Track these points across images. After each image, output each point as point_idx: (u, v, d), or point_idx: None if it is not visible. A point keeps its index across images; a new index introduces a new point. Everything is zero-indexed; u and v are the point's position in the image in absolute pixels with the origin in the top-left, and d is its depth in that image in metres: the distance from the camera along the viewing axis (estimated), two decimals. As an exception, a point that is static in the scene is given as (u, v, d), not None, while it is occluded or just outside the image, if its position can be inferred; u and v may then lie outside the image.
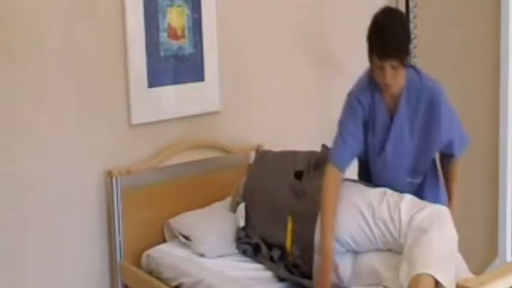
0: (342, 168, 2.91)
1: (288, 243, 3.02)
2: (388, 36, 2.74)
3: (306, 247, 2.92)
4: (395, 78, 2.79)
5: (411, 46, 2.84)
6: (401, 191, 2.89)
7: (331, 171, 2.90)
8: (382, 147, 2.93)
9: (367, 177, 3.08)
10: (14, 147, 3.12)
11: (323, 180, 2.89)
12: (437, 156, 3.09)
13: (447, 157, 3.06)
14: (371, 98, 2.91)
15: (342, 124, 2.96)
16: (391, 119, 2.91)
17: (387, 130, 2.92)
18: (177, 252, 3.29)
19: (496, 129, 4.05)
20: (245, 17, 3.80)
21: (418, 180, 3.00)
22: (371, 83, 2.90)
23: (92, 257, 3.39)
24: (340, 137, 2.94)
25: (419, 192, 2.97)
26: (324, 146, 3.30)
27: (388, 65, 2.74)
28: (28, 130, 3.15)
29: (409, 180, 2.98)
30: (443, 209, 2.78)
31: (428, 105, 2.87)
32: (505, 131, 4.01)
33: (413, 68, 2.94)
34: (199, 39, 3.59)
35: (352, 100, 2.94)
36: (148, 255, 3.35)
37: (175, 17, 3.50)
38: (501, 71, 3.98)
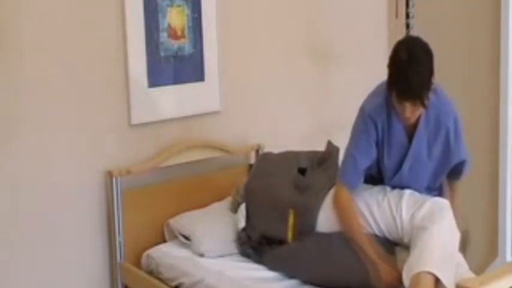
0: (353, 188, 2.86)
1: (290, 237, 3.01)
2: (410, 78, 2.63)
3: (306, 239, 2.92)
4: (414, 112, 2.74)
5: (432, 80, 2.70)
6: None
7: (342, 191, 2.86)
8: (399, 167, 2.89)
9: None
10: (13, 147, 3.11)
11: (334, 202, 2.86)
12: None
13: (453, 176, 3.05)
14: (386, 116, 2.83)
15: (354, 142, 2.89)
16: (409, 139, 2.86)
17: (404, 150, 2.87)
18: (177, 253, 3.29)
19: (496, 129, 4.05)
20: (245, 17, 3.80)
21: (433, 194, 2.98)
22: (387, 102, 2.82)
23: (92, 257, 3.39)
24: (351, 156, 2.87)
25: None
26: (329, 142, 3.30)
27: (408, 103, 2.69)
28: (28, 130, 3.14)
29: (424, 194, 2.95)
30: (443, 202, 2.79)
31: (448, 131, 2.84)
32: (505, 132, 4.01)
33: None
34: (199, 39, 3.58)
35: (365, 118, 2.86)
36: (148, 255, 3.35)
37: (175, 17, 3.50)
38: (501, 71, 3.98)
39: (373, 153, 2.87)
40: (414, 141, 2.86)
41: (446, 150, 2.88)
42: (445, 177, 3.04)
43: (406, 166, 2.88)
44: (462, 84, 4.07)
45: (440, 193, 3.02)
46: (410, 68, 2.64)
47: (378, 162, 2.92)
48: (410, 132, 2.86)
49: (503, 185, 4.04)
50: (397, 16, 4.22)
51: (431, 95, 2.75)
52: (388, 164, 2.90)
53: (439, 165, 2.92)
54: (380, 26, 4.01)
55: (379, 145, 2.88)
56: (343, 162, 2.91)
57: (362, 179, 2.93)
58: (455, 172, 3.03)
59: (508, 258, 4.03)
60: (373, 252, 2.75)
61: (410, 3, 4.19)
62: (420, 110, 2.75)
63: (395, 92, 2.69)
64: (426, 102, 2.69)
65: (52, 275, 3.27)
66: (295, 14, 4.01)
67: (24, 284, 3.20)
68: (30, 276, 3.21)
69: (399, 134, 2.86)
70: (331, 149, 3.29)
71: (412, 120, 2.79)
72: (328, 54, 4.17)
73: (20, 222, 3.16)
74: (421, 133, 2.85)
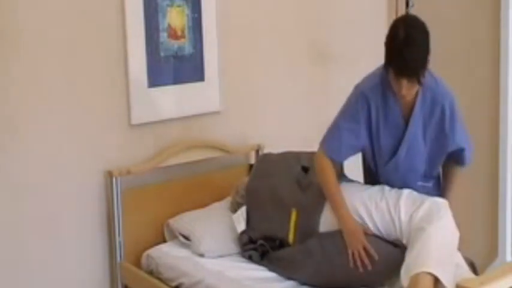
0: (334, 159, 2.90)
1: (291, 236, 3.01)
2: (407, 57, 2.67)
3: (308, 239, 2.92)
4: (411, 90, 2.76)
5: (428, 58, 2.72)
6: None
7: (320, 156, 2.92)
8: (395, 150, 2.91)
9: (372, 174, 3.07)
10: (13, 147, 3.11)
11: (315, 164, 2.91)
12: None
13: (453, 164, 3.05)
14: (381, 98, 2.86)
15: (342, 115, 2.92)
16: (405, 122, 2.88)
17: (401, 133, 2.89)
18: (176, 253, 3.29)
19: (496, 129, 4.05)
20: (245, 17, 3.80)
21: (429, 184, 3.00)
22: (383, 83, 2.85)
23: (92, 257, 3.39)
24: (336, 127, 2.92)
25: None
26: None
27: (404, 80, 2.71)
28: (28, 130, 3.15)
29: (420, 183, 2.97)
30: (442, 202, 2.79)
31: (443, 111, 2.85)
32: (505, 132, 4.01)
33: (429, 71, 2.86)
34: (199, 39, 3.58)
35: (358, 96, 2.89)
36: (148, 255, 3.35)
37: (175, 17, 3.50)
38: (501, 71, 3.98)
39: (361, 132, 2.88)
40: (411, 124, 2.87)
41: (441, 132, 2.88)
42: (443, 168, 3.06)
43: (402, 150, 2.89)
44: (462, 84, 4.06)
45: (437, 183, 3.03)
46: (407, 46, 2.67)
47: (373, 146, 2.93)
48: (407, 115, 2.88)
49: (503, 185, 4.04)
50: (396, 16, 4.22)
51: (429, 78, 2.80)
52: (385, 146, 2.92)
53: (434, 150, 2.92)
54: (380, 26, 4.00)
55: (373, 126, 2.89)
56: (328, 130, 2.95)
57: (346, 156, 2.95)
58: (456, 158, 3.01)
59: (508, 258, 4.03)
60: (344, 209, 2.84)
61: (410, 3, 4.19)
62: (416, 88, 2.77)
63: (392, 70, 2.72)
64: (422, 79, 2.72)
65: (52, 275, 3.27)
66: (295, 14, 4.01)
67: (24, 283, 3.20)
68: (30, 276, 3.21)
69: (395, 116, 2.88)
70: None
71: (408, 98, 2.81)
72: (328, 55, 4.17)
73: (20, 222, 3.16)
74: (417, 115, 2.86)
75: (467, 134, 3.00)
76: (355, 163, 3.19)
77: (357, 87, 2.92)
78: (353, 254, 2.77)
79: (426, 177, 2.98)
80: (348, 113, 2.91)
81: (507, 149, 4.02)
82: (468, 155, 3.02)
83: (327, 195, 2.90)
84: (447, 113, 2.86)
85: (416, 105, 2.85)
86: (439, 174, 3.07)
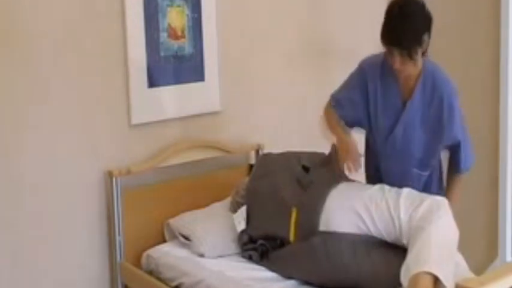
0: (337, 110, 3.10)
1: (292, 235, 3.01)
2: (397, 27, 2.77)
3: (309, 237, 2.92)
4: (404, 65, 2.82)
5: (425, 37, 2.81)
6: (409, 184, 2.94)
7: (325, 107, 3.20)
8: (391, 130, 2.98)
9: (375, 168, 3.12)
10: (13, 147, 3.12)
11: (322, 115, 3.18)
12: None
13: (452, 166, 3.11)
14: (380, 77, 2.96)
15: (343, 84, 3.14)
16: (404, 105, 2.95)
17: (398, 113, 2.96)
18: (177, 252, 3.29)
19: (496, 129, 4.05)
20: (245, 17, 3.80)
21: (425, 173, 3.04)
22: (384, 64, 2.94)
23: (92, 256, 3.39)
24: (338, 89, 3.17)
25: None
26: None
27: (396, 52, 2.79)
28: (28, 130, 3.15)
29: (416, 171, 3.02)
30: (441, 201, 2.79)
31: (442, 99, 2.91)
32: (505, 132, 4.01)
33: (432, 62, 2.97)
34: (199, 39, 3.59)
35: (358, 70, 3.06)
36: (148, 255, 3.35)
37: (175, 17, 3.50)
38: (501, 71, 3.98)
39: (356, 97, 3.03)
40: (408, 106, 2.94)
41: (438, 121, 2.94)
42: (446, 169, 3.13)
43: (399, 130, 2.96)
44: (462, 84, 4.06)
45: (432, 175, 3.08)
46: (399, 18, 2.78)
47: (371, 126, 3.03)
48: (407, 98, 2.95)
49: (503, 185, 4.04)
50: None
51: (430, 65, 2.91)
52: (382, 124, 3.00)
53: (431, 137, 2.97)
54: (381, 26, 4.00)
55: (370, 103, 2.99)
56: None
57: (345, 109, 3.10)
58: (453, 160, 3.07)
59: (508, 258, 4.03)
60: (341, 131, 3.05)
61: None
62: (410, 66, 2.83)
63: (383, 42, 2.82)
64: (415, 55, 2.78)
65: (52, 275, 3.27)
66: (296, 14, 4.01)
67: (24, 283, 3.20)
68: (30, 276, 3.21)
69: (394, 97, 2.96)
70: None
71: (403, 73, 2.88)
72: (328, 54, 4.17)
73: (20, 222, 3.16)
74: (416, 99, 2.93)
75: (467, 136, 3.05)
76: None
77: (358, 63, 3.07)
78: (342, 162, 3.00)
79: (422, 165, 3.02)
80: (348, 82, 3.12)
81: (507, 149, 4.02)
82: (466, 159, 3.07)
83: (327, 126, 3.14)
84: (446, 102, 2.91)
85: (416, 89, 2.92)
86: (437, 167, 3.10)
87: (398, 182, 2.96)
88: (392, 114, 2.97)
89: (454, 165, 3.11)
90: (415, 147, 2.98)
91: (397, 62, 2.81)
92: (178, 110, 3.57)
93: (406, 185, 2.93)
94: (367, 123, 3.05)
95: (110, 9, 3.31)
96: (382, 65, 2.96)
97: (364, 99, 3.01)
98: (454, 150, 3.06)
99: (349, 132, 3.08)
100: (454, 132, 2.97)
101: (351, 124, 3.13)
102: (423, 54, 2.86)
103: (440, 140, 2.97)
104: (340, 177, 3.06)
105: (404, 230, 2.75)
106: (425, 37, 2.80)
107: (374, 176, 3.17)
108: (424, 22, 2.81)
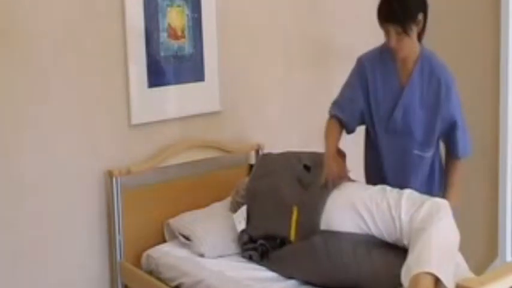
0: (337, 114, 3.15)
1: (292, 234, 3.01)
2: (391, 3, 2.88)
3: (310, 236, 2.92)
4: (400, 43, 2.91)
5: (420, 16, 2.89)
6: (411, 166, 3.05)
7: (328, 119, 3.23)
8: (391, 113, 3.05)
9: (375, 167, 3.16)
10: (13, 147, 3.11)
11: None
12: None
13: (450, 150, 3.16)
14: (379, 63, 3.06)
15: (344, 85, 3.20)
16: (403, 88, 3.03)
17: (397, 97, 3.04)
18: (177, 252, 3.29)
19: (496, 129, 4.05)
20: (245, 17, 3.80)
21: (426, 154, 3.09)
22: (383, 51, 3.05)
23: (92, 256, 3.39)
24: (339, 93, 3.22)
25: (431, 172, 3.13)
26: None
27: (392, 30, 2.89)
28: (28, 130, 3.15)
29: (417, 152, 3.08)
30: (442, 203, 2.79)
31: (440, 80, 3.00)
32: (505, 131, 4.01)
33: (429, 50, 3.06)
34: (199, 39, 3.59)
35: (356, 65, 3.14)
36: (148, 255, 3.35)
37: (175, 17, 3.50)
38: (501, 70, 3.99)
39: (357, 94, 3.11)
40: (407, 88, 3.03)
41: (436, 99, 3.01)
42: (445, 152, 3.19)
43: (399, 111, 3.04)
44: (462, 84, 4.06)
45: (434, 159, 3.13)
46: None
47: (371, 111, 3.09)
48: (406, 82, 3.04)
49: (503, 184, 4.04)
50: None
51: (427, 52, 3.01)
52: (383, 108, 3.08)
53: (429, 114, 3.03)
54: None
55: (370, 90, 3.08)
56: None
57: (345, 110, 3.15)
58: (451, 145, 3.12)
59: (508, 258, 4.04)
60: (332, 148, 3.10)
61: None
62: (408, 45, 2.92)
63: (378, 20, 2.91)
64: (409, 31, 2.88)
65: (52, 274, 3.27)
66: (296, 14, 4.01)
67: (24, 283, 3.20)
68: (30, 276, 3.21)
69: (393, 80, 3.05)
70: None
71: (400, 53, 2.96)
72: (328, 54, 4.18)
73: (20, 222, 3.16)
74: (415, 81, 3.02)
75: (465, 123, 3.11)
76: (355, 162, 3.20)
77: (357, 58, 3.15)
78: (327, 178, 3.01)
79: (423, 145, 3.08)
80: (347, 81, 3.18)
81: (507, 149, 4.02)
82: (464, 144, 3.11)
83: (325, 139, 3.16)
84: (443, 82, 3.01)
85: (414, 72, 3.01)
86: (436, 152, 3.16)
87: (400, 168, 3.08)
88: (391, 98, 3.06)
89: (452, 149, 3.15)
90: (415, 127, 3.05)
91: (393, 40, 2.90)
92: (178, 110, 3.57)
93: (408, 174, 3.05)
94: (368, 111, 3.12)
95: (110, 9, 3.31)
96: (380, 53, 3.08)
97: (364, 92, 3.10)
98: (452, 134, 3.09)
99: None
100: (451, 110, 3.04)
101: (353, 124, 3.17)
102: (419, 38, 2.97)
103: (438, 116, 3.03)
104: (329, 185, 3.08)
105: (405, 230, 2.75)
106: (420, 16, 2.90)
107: (374, 176, 3.17)
108: (419, 2, 2.93)
